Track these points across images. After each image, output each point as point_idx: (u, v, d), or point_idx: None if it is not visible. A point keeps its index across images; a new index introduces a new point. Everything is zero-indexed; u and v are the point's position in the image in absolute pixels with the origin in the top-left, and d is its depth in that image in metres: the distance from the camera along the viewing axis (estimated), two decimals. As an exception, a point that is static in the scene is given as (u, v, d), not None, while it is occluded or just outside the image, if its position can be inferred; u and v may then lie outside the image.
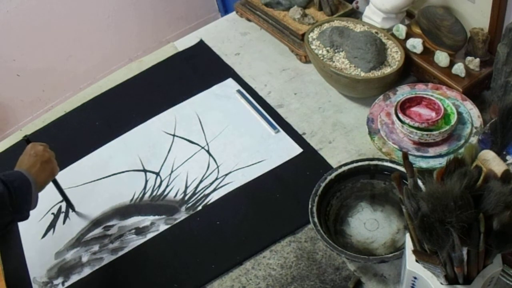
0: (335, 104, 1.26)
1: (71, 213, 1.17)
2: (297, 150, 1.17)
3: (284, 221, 1.04)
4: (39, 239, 1.14)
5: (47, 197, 1.18)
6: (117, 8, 2.35)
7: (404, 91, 1.15)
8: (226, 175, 1.16)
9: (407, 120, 1.04)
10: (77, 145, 1.31)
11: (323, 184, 1.00)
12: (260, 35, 1.50)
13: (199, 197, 1.13)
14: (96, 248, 1.09)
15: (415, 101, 1.08)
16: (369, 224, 1.00)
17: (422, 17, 1.18)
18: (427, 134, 1.02)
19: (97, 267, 1.06)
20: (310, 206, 0.97)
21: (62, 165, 1.26)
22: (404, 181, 0.74)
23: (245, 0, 1.53)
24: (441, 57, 1.14)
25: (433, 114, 1.06)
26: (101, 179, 1.23)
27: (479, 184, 0.66)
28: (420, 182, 0.87)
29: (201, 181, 1.16)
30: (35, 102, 2.35)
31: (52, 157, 1.01)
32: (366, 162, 1.02)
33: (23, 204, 0.90)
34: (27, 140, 1.05)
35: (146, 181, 1.19)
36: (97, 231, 1.12)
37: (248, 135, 1.23)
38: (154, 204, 1.14)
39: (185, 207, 1.12)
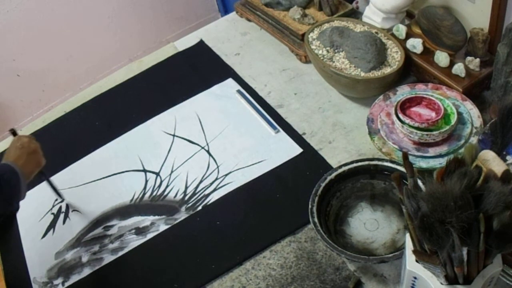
0: (335, 104, 1.26)
1: (71, 213, 1.17)
2: (297, 150, 1.17)
3: (284, 221, 1.05)
4: (39, 239, 1.14)
5: (47, 197, 1.18)
6: (117, 8, 2.36)
7: (404, 91, 1.15)
8: (226, 175, 1.16)
9: (407, 120, 1.04)
10: (77, 145, 1.31)
11: (323, 184, 1.00)
12: (260, 35, 1.50)
13: (199, 197, 1.13)
14: (96, 248, 1.09)
15: (415, 101, 1.08)
16: (369, 224, 1.00)
17: (422, 17, 1.18)
18: (427, 134, 1.02)
19: (97, 267, 1.06)
20: (310, 206, 0.97)
21: (62, 165, 1.27)
22: (404, 181, 0.74)
23: (245, 0, 1.53)
24: (441, 57, 1.14)
25: (433, 114, 1.06)
26: (101, 179, 1.23)
27: (479, 184, 0.66)
28: (420, 182, 0.87)
29: (201, 181, 1.16)
30: (35, 102, 2.35)
31: (37, 148, 1.03)
32: (366, 162, 1.02)
33: (13, 196, 0.93)
34: (13, 132, 1.07)
35: (146, 181, 1.19)
36: (97, 231, 1.12)
37: (248, 135, 1.23)
38: (154, 204, 1.14)
39: (185, 207, 1.12)
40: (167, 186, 1.17)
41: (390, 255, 0.88)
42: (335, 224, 1.01)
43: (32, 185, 1.18)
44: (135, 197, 1.17)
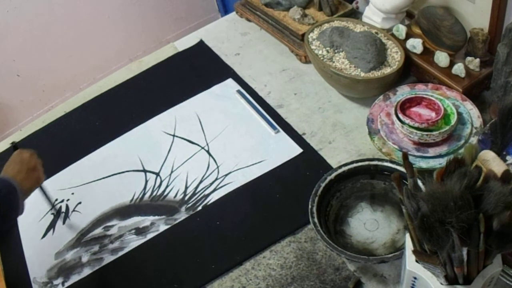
0: (335, 104, 1.26)
1: (71, 213, 1.17)
2: (297, 150, 1.17)
3: (284, 221, 1.04)
4: (39, 239, 1.14)
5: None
6: (117, 8, 2.36)
7: (404, 91, 1.15)
8: (226, 175, 1.16)
9: (407, 120, 1.04)
10: (77, 145, 1.31)
11: (323, 185, 1.00)
12: (260, 35, 1.50)
13: (199, 197, 1.13)
14: (96, 248, 1.09)
15: (415, 101, 1.08)
16: (369, 224, 1.00)
17: (422, 17, 1.18)
18: (427, 134, 1.02)
19: (97, 267, 1.06)
20: (310, 207, 0.97)
21: (62, 165, 1.27)
22: (404, 181, 0.74)
23: (245, 0, 1.53)
24: (441, 57, 1.14)
25: (433, 114, 1.06)
26: (101, 179, 1.23)
27: (479, 184, 0.66)
28: (420, 182, 0.87)
29: (201, 181, 1.16)
30: (35, 102, 2.35)
31: (38, 165, 1.01)
32: (366, 162, 1.02)
33: (10, 212, 0.90)
34: (14, 146, 1.05)
35: (146, 181, 1.19)
36: (97, 231, 1.12)
37: (248, 135, 1.23)
38: (154, 204, 1.14)
39: (185, 207, 1.12)
40: (167, 186, 1.17)
41: (390, 255, 0.88)
42: (335, 224, 1.01)
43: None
44: (135, 197, 1.17)
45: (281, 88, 1.33)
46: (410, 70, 1.21)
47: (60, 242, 1.12)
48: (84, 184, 1.22)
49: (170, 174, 1.19)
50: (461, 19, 1.15)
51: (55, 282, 1.05)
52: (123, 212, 1.15)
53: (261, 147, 1.20)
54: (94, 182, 1.22)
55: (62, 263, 1.08)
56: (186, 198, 1.14)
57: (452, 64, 1.13)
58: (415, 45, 1.18)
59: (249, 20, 1.55)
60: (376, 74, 1.16)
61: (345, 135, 1.18)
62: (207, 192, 1.14)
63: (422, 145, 1.05)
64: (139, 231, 1.10)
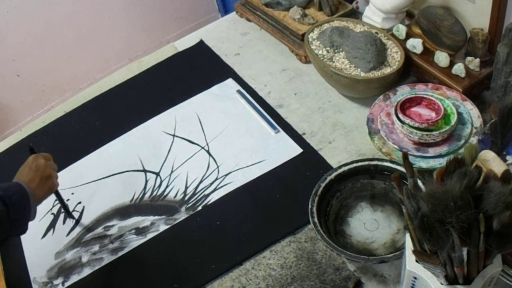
0: (335, 104, 1.26)
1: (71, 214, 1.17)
2: (297, 150, 1.17)
3: (284, 221, 1.04)
4: (39, 239, 1.14)
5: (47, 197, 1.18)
6: (117, 8, 2.36)
7: (404, 91, 1.15)
8: (226, 175, 1.16)
9: (407, 120, 1.04)
10: (77, 145, 1.31)
11: (323, 184, 1.00)
12: (260, 35, 1.50)
13: (199, 197, 1.13)
14: (96, 248, 1.09)
15: (415, 101, 1.08)
16: (369, 224, 1.00)
17: (422, 17, 1.18)
18: (427, 134, 1.02)
19: (97, 267, 1.06)
20: (310, 206, 0.97)
21: (62, 165, 1.27)
22: (404, 181, 0.74)
23: (245, 0, 1.53)
24: (441, 57, 1.14)
25: (433, 114, 1.06)
26: (101, 179, 1.23)
27: (479, 184, 0.66)
28: (420, 182, 0.87)
29: (201, 181, 1.16)
30: (35, 102, 2.35)
31: (52, 172, 1.00)
32: (366, 162, 1.02)
33: (21, 218, 0.89)
34: (31, 149, 1.04)
35: (146, 181, 1.19)
36: (97, 231, 1.12)
37: (248, 135, 1.23)
38: (154, 204, 1.14)
39: (185, 207, 1.12)
40: (167, 186, 1.17)
41: (390, 255, 0.88)
42: (335, 224, 1.01)
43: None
44: (135, 197, 1.17)
45: (281, 88, 1.33)
46: (410, 70, 1.21)
47: (60, 242, 1.12)
48: (84, 184, 1.22)
49: (170, 174, 1.19)
50: (461, 19, 1.15)
51: (55, 282, 1.05)
52: (123, 212, 1.15)
53: (261, 147, 1.20)
54: (94, 182, 1.22)
55: (62, 263, 1.08)
56: (186, 198, 1.14)
57: (452, 64, 1.13)
58: (415, 45, 1.18)
59: (249, 20, 1.55)
60: (376, 74, 1.16)
61: (345, 135, 1.18)
62: (207, 192, 1.14)
63: (422, 145, 1.05)
64: (139, 231, 1.10)
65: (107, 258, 1.07)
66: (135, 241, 1.08)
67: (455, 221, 0.61)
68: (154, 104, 1.36)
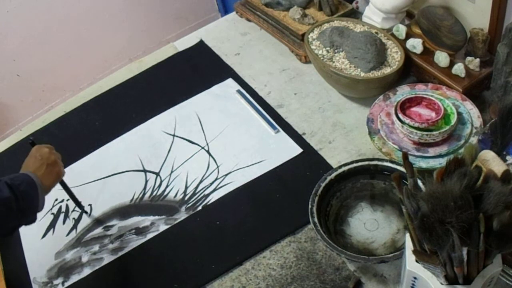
0: (335, 104, 1.26)
1: (71, 213, 1.17)
2: (297, 150, 1.17)
3: (284, 221, 1.05)
4: (39, 239, 1.14)
5: (47, 197, 1.18)
6: (117, 8, 2.36)
7: (404, 91, 1.15)
8: (226, 175, 1.16)
9: (407, 120, 1.04)
10: (77, 145, 1.31)
11: (323, 184, 1.00)
12: (260, 35, 1.50)
13: (199, 197, 1.13)
14: (96, 248, 1.09)
15: (415, 101, 1.08)
16: (369, 224, 1.00)
17: (422, 17, 1.18)
18: (427, 134, 1.02)
19: (97, 267, 1.06)
20: (310, 206, 0.97)
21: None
22: (404, 181, 0.74)
23: (245, 0, 1.53)
24: (441, 57, 1.14)
25: (433, 114, 1.06)
26: (101, 179, 1.23)
27: (479, 184, 0.66)
28: (420, 182, 0.87)
29: (201, 181, 1.16)
30: (35, 102, 2.35)
31: (57, 160, 1.00)
32: (366, 162, 1.02)
33: (29, 207, 0.90)
34: (32, 142, 1.04)
35: (146, 181, 1.19)
36: (97, 231, 1.12)
37: (248, 135, 1.23)
38: (154, 204, 1.14)
39: (185, 207, 1.12)
40: (167, 186, 1.17)
41: (390, 255, 0.88)
42: (335, 224, 1.01)
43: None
44: (135, 197, 1.17)
45: (281, 88, 1.33)
46: (410, 70, 1.21)
47: (60, 242, 1.12)
48: (84, 184, 1.22)
49: (170, 174, 1.19)
50: (461, 19, 1.15)
51: (55, 282, 1.05)
52: (123, 212, 1.15)
53: (261, 147, 1.20)
54: (94, 182, 1.22)
55: (62, 263, 1.08)
56: (186, 198, 1.14)
57: (452, 64, 1.13)
58: (415, 45, 1.18)
59: (249, 20, 1.55)
60: (376, 74, 1.16)
61: (345, 135, 1.18)
62: (207, 192, 1.14)
63: (422, 145, 1.05)
64: (139, 231, 1.10)
65: (107, 258, 1.07)
66: (135, 241, 1.08)
67: (455, 221, 0.61)
68: (154, 104, 1.36)
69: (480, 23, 1.12)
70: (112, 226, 1.12)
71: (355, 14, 1.40)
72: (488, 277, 0.70)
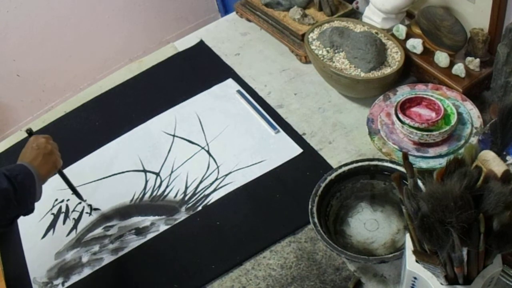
0: (335, 104, 1.26)
1: (71, 213, 1.17)
2: (297, 150, 1.17)
3: (284, 221, 1.05)
4: (39, 239, 1.14)
5: (47, 197, 1.18)
6: (117, 8, 2.36)
7: (404, 92, 1.15)
8: (226, 175, 1.16)
9: (407, 121, 1.04)
10: (77, 145, 1.31)
11: (323, 185, 1.00)
12: (260, 36, 1.50)
13: (199, 198, 1.13)
14: (96, 248, 1.09)
15: (415, 101, 1.08)
16: (369, 225, 1.00)
17: (422, 18, 1.18)
18: (427, 135, 1.02)
19: (97, 268, 1.06)
20: (310, 207, 0.97)
21: (62, 166, 1.26)
22: (404, 181, 0.74)
23: (245, 1, 1.53)
24: (441, 58, 1.14)
25: (433, 115, 1.06)
26: (101, 179, 1.23)
27: (479, 185, 0.66)
28: (420, 183, 0.87)
29: (201, 182, 1.16)
30: (35, 102, 2.35)
31: (54, 149, 1.02)
32: (366, 163, 1.02)
33: (27, 197, 0.91)
34: (29, 133, 1.05)
35: (146, 182, 1.19)
36: (97, 231, 1.12)
37: (248, 135, 1.23)
38: (154, 205, 1.14)
39: (185, 208, 1.12)
40: (167, 186, 1.17)
41: (390, 255, 0.88)
42: (335, 224, 1.01)
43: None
44: (135, 197, 1.17)
45: (281, 88, 1.33)
46: (410, 70, 1.21)
47: (60, 242, 1.12)
48: (84, 184, 1.22)
49: (170, 174, 1.19)
50: (461, 19, 1.15)
51: (55, 282, 1.05)
52: (123, 212, 1.15)
53: (261, 147, 1.20)
54: (94, 182, 1.22)
55: (62, 263, 1.08)
56: (186, 198, 1.14)
57: (452, 64, 1.13)
58: (415, 45, 1.18)
59: (249, 20, 1.55)
60: (376, 74, 1.16)
61: (345, 135, 1.18)
62: (207, 192, 1.14)
63: (422, 145, 1.05)
64: (139, 231, 1.10)
65: (107, 258, 1.07)
66: (135, 241, 1.08)
67: (455, 221, 0.61)
68: (154, 104, 1.36)
69: (480, 23, 1.12)
70: (112, 226, 1.13)
71: (355, 14, 1.40)
72: (488, 277, 0.70)
